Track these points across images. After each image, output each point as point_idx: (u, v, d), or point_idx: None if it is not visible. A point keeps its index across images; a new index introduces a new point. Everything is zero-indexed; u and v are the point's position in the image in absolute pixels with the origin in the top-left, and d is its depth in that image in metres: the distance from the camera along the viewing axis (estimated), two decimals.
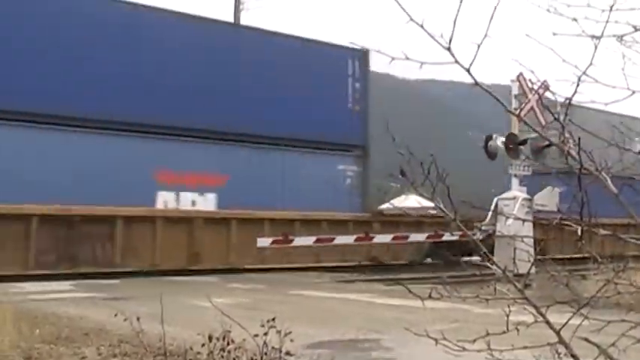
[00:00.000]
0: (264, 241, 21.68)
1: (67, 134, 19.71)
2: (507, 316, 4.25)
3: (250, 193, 22.30)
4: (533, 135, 18.72)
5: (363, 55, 24.95)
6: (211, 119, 21.82)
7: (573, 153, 4.09)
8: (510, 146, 20.40)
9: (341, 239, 22.72)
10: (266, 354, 6.56)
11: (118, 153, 20.48)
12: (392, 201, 22.73)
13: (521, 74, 20.05)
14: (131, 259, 20.46)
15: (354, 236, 23.10)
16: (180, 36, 21.76)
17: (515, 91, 20.80)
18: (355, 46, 19.42)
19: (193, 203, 21.68)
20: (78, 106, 19.74)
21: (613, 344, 4.29)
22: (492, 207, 19.21)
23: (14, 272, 18.00)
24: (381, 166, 19.38)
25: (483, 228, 18.98)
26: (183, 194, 21.36)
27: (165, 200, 21.20)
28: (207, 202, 21.91)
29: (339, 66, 24.82)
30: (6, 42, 19.07)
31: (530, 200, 20.25)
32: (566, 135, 4.17)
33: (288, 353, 6.69)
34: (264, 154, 23.14)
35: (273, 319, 6.45)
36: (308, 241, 22.26)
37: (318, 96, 23.98)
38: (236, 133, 22.51)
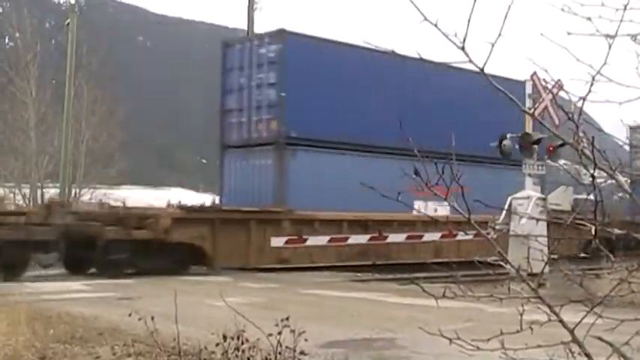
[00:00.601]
0: (278, 241, 23.47)
1: (361, 159, 26.05)
2: (521, 315, 4.25)
3: (471, 201, 27.26)
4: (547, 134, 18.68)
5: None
6: (446, 143, 25.37)
7: (587, 152, 4.08)
8: (524, 145, 20.35)
9: None
10: (280, 353, 6.56)
11: (391, 171, 24.74)
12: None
13: (535, 73, 19.98)
14: (404, 253, 26.42)
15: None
16: (433, 81, 27.18)
17: (529, 90, 20.73)
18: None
19: (435, 210, 25.96)
20: (370, 137, 26.24)
21: (627, 343, 4.29)
22: (506, 206, 19.15)
23: (331, 264, 24.40)
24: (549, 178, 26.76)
25: (497, 227, 18.92)
26: (429, 203, 25.39)
27: (418, 208, 25.90)
28: (444, 209, 26.42)
29: (519, 97, 29.93)
30: (304, 91, 25.71)
31: (544, 199, 20.20)
32: (580, 134, 4.16)
33: (302, 352, 6.70)
34: (473, 169, 26.56)
35: (287, 319, 6.45)
36: (322, 240, 24.61)
37: (508, 122, 27.80)
38: (461, 153, 26.13)
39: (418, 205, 26.03)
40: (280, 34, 26.23)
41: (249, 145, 26.38)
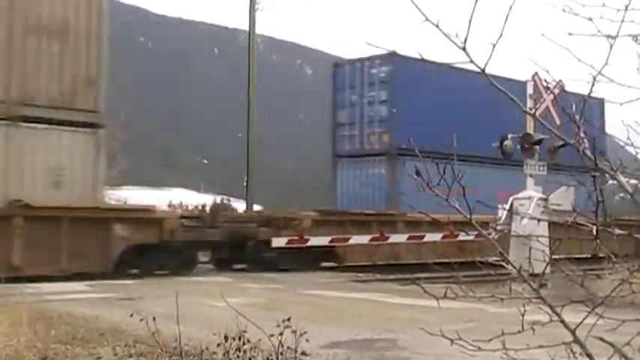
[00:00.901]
0: (279, 241, 23.68)
1: (461, 167, 27.73)
2: (522, 315, 4.24)
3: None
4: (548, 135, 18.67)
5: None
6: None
7: (588, 153, 4.08)
8: (526, 146, 20.34)
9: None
10: (282, 354, 6.56)
11: (487, 178, 27.08)
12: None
13: (536, 74, 19.96)
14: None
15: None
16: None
17: (530, 90, 20.72)
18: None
19: None
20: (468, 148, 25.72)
21: (628, 343, 4.29)
22: (507, 206, 19.15)
23: (434, 260, 24.63)
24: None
25: (498, 227, 18.92)
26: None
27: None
28: None
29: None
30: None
31: (546, 200, 20.18)
32: (582, 134, 4.16)
33: (303, 353, 6.70)
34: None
35: (289, 319, 6.45)
36: (324, 240, 24.64)
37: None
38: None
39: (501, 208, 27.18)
40: (390, 57, 30.00)
41: (361, 155, 30.88)
